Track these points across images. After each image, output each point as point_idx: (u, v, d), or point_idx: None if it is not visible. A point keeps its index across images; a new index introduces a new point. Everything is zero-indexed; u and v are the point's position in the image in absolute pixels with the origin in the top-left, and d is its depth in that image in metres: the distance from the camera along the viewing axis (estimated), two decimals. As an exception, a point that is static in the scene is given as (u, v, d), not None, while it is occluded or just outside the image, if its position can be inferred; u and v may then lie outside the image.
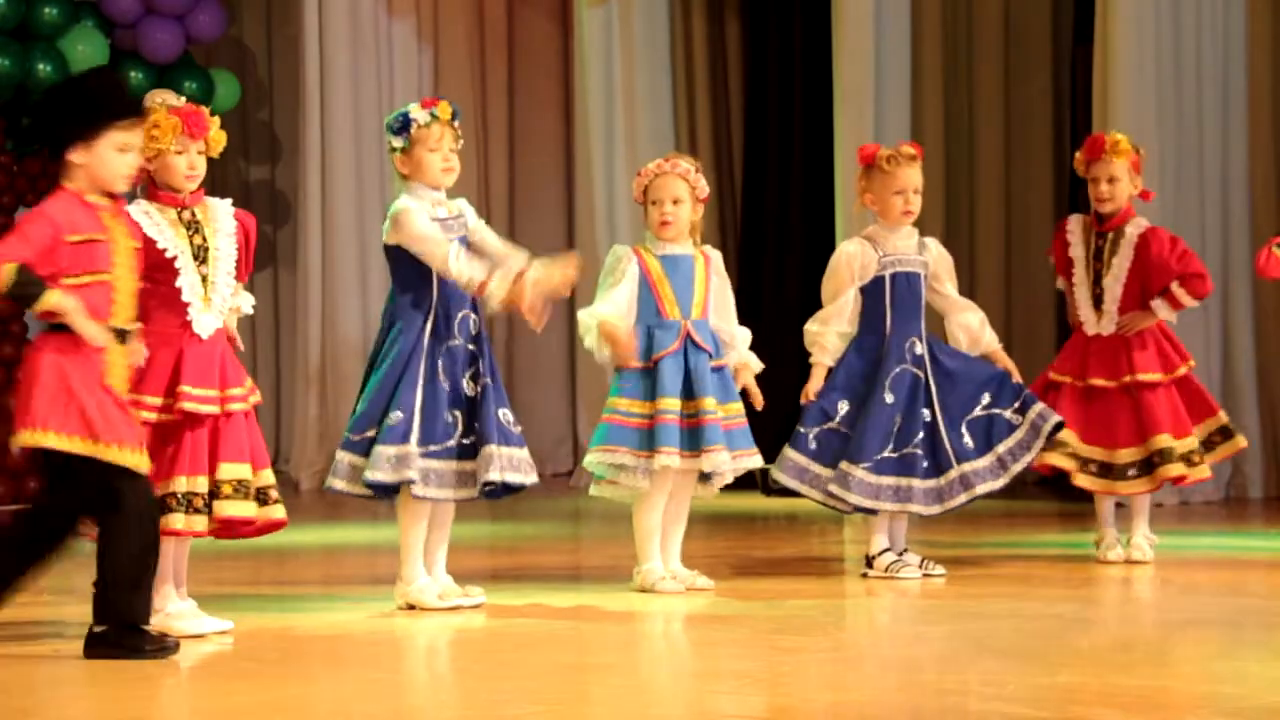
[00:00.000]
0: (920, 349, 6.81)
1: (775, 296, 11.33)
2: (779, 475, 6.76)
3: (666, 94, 11.54)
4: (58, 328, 5.23)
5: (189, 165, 5.66)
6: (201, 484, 5.60)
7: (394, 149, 6.17)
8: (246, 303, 5.92)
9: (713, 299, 6.59)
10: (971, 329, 6.96)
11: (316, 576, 7.25)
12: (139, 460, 5.27)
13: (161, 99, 5.69)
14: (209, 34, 11.20)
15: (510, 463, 6.09)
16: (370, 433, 6.04)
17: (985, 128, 10.88)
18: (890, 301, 6.80)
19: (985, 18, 10.90)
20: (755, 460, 6.58)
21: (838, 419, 6.75)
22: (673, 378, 6.43)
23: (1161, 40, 9.55)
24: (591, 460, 6.43)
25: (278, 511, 5.75)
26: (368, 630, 5.82)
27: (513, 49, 12.40)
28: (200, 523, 5.61)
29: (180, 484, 5.58)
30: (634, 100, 11.33)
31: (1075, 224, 7.33)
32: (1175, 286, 7.13)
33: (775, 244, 11.52)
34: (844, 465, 6.68)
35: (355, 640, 5.67)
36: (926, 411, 6.76)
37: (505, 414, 6.13)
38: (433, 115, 6.16)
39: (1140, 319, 7.16)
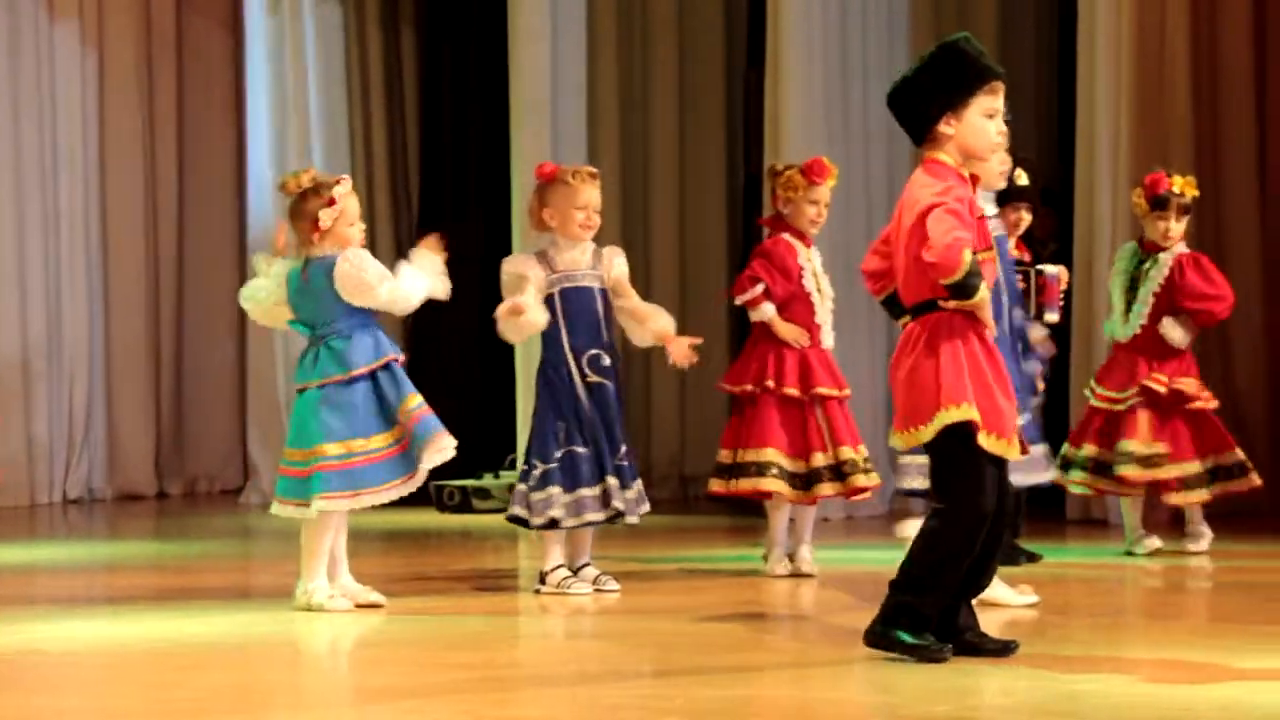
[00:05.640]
0: (607, 361, 6.81)
1: (451, 313, 11.24)
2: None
3: (341, 105, 11.41)
4: (929, 308, 4.98)
5: None
6: None
7: None
8: None
9: None
10: (667, 332, 6.94)
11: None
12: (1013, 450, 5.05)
13: None
14: None
15: None
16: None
17: (660, 144, 10.98)
18: (564, 316, 6.77)
19: (660, 35, 11.00)
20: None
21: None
22: None
23: (829, 62, 9.75)
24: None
25: None
26: None
27: (182, 55, 12.08)
28: None
29: None
30: (307, 110, 11.16)
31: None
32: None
33: (452, 256, 11.41)
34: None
35: None
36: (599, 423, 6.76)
37: None
38: None
39: None
